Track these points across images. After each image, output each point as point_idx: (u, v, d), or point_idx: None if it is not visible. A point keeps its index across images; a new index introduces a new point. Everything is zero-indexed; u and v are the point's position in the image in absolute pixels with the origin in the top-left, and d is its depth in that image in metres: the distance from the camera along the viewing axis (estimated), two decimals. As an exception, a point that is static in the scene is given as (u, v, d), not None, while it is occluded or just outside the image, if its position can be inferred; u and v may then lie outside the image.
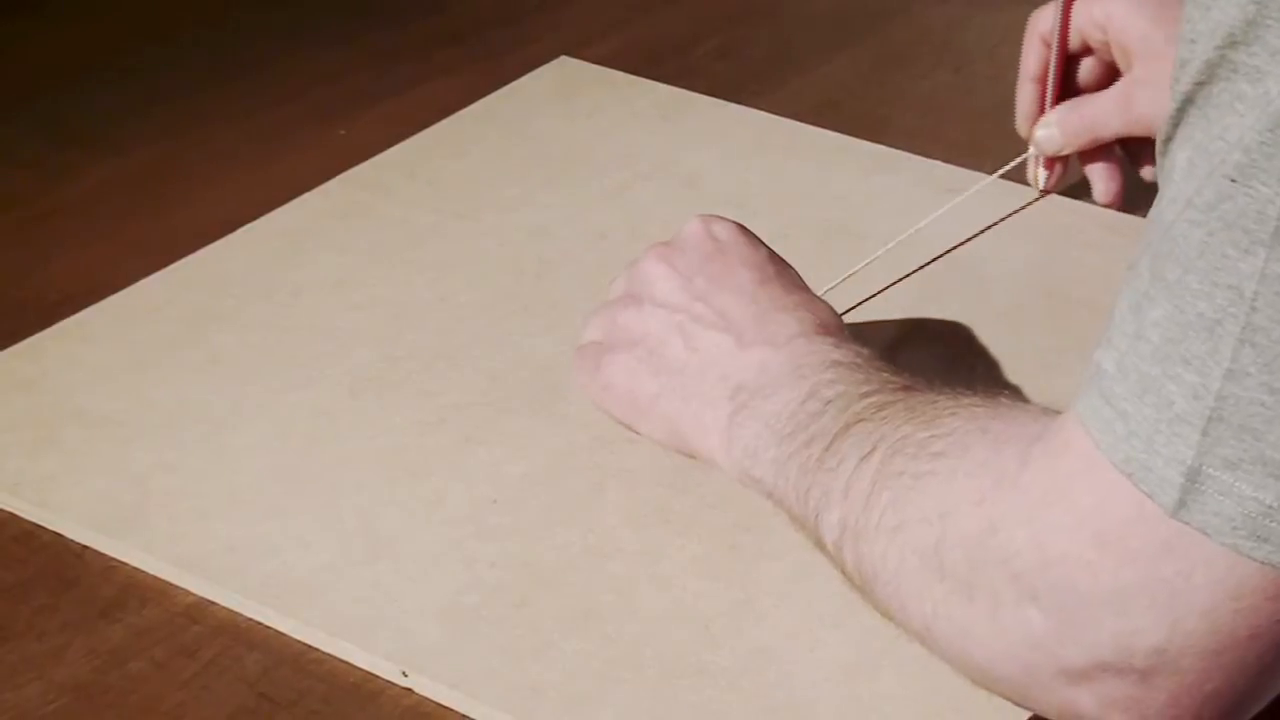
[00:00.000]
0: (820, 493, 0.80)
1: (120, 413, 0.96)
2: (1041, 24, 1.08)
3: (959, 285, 1.03)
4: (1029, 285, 1.03)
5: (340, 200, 1.13)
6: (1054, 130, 1.08)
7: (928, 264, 1.05)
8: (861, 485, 0.76)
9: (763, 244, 0.94)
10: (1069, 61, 1.08)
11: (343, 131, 1.20)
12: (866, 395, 0.82)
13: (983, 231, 1.08)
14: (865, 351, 0.86)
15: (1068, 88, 1.09)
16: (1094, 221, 1.09)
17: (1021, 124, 1.10)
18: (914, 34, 1.29)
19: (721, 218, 0.95)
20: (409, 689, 0.81)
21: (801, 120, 1.19)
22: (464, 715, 0.80)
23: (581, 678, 0.80)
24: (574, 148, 1.17)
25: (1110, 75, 1.08)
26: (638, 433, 0.92)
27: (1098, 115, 1.07)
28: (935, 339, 0.99)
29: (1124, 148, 1.10)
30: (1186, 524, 0.64)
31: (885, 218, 1.09)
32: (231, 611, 0.85)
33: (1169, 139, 0.66)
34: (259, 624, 0.84)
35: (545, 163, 1.15)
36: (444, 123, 1.19)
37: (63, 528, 0.89)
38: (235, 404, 0.96)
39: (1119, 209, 1.09)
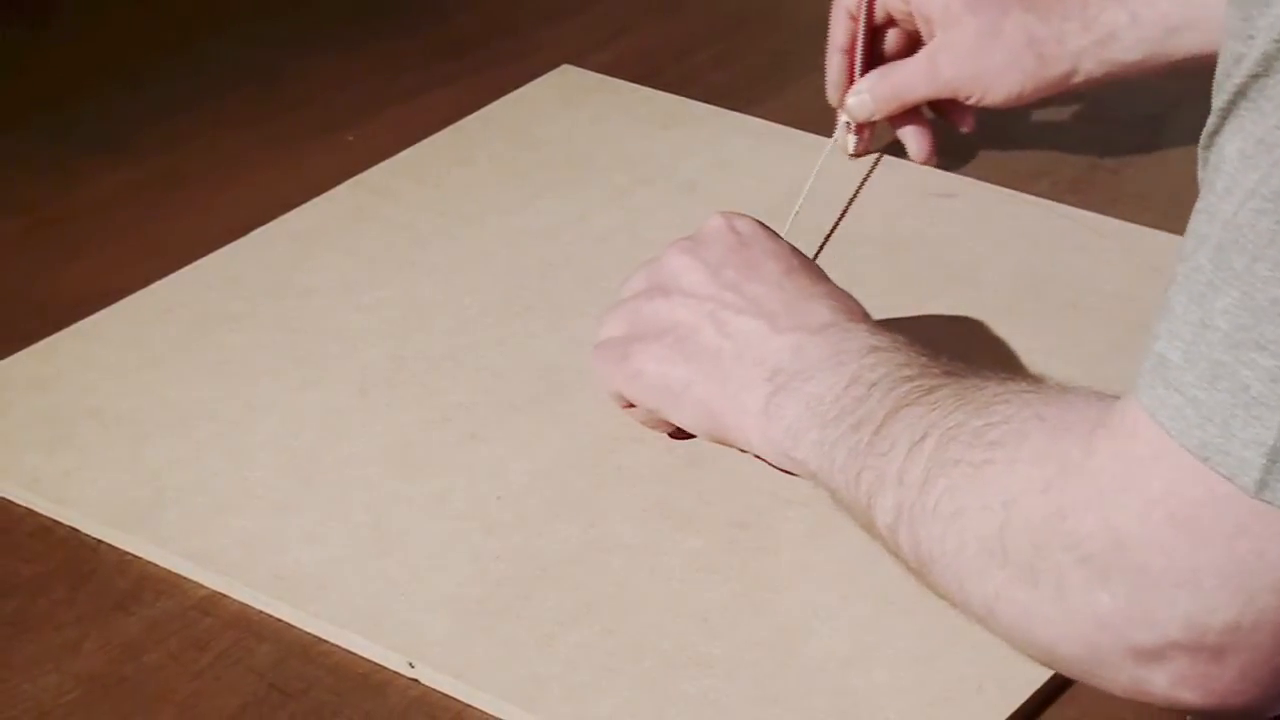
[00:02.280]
0: (873, 476, 0.79)
1: (135, 411, 0.96)
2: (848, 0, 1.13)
3: (952, 288, 1.03)
4: (1020, 287, 1.03)
5: (349, 204, 1.12)
6: (865, 97, 1.12)
7: (830, 234, 1.08)
8: (916, 471, 0.76)
9: (782, 238, 0.94)
10: (874, 32, 1.12)
11: (351, 138, 1.20)
12: (910, 379, 0.81)
13: (849, 204, 1.11)
14: (900, 337, 0.86)
15: (874, 57, 1.13)
16: (1083, 226, 1.08)
17: (833, 93, 1.14)
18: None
19: (741, 214, 0.94)
20: (415, 680, 0.81)
21: (796, 127, 1.18)
22: (468, 705, 0.80)
23: (583, 668, 0.80)
24: (576, 153, 1.17)
25: (912, 44, 1.13)
26: (667, 420, 0.91)
27: (906, 81, 1.11)
28: (928, 339, 0.98)
29: (934, 109, 1.14)
30: (1269, 503, 0.64)
31: (877, 221, 1.09)
32: (243, 604, 0.85)
33: (1215, 132, 0.65)
34: (270, 616, 0.84)
35: (548, 168, 1.15)
36: (449, 129, 1.19)
37: (79, 523, 0.89)
38: (246, 402, 0.96)
39: (934, 165, 1.13)
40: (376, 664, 0.82)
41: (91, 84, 1.26)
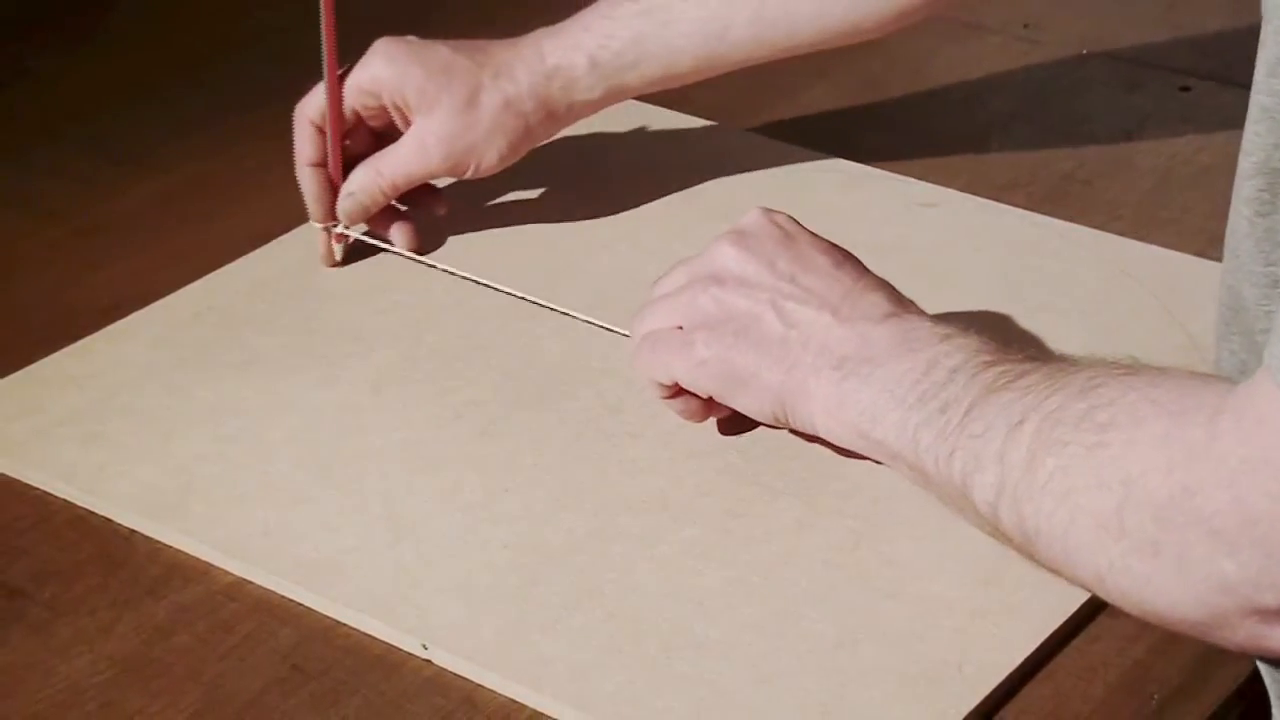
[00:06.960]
0: (968, 456, 0.78)
1: (164, 408, 0.96)
2: (310, 110, 1.05)
3: (934, 291, 1.03)
4: (997, 291, 1.03)
5: (365, 214, 1.12)
6: (357, 196, 1.05)
7: None
8: (1018, 452, 0.75)
9: (819, 235, 0.92)
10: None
11: (368, 151, 1.20)
12: (991, 364, 0.80)
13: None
14: (958, 326, 0.85)
15: (345, 162, 1.06)
16: (1057, 234, 1.08)
17: (315, 209, 1.06)
18: (888, 63, 1.29)
19: (777, 210, 0.93)
20: (428, 661, 0.81)
21: (787, 140, 1.18)
22: (479, 685, 0.80)
23: (586, 650, 0.80)
24: (579, 165, 1.16)
25: (377, 140, 1.06)
26: (730, 406, 0.89)
27: (400, 170, 1.05)
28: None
29: (404, 200, 1.08)
30: None
31: (865, 229, 1.09)
32: (266, 590, 0.85)
33: None
34: (291, 601, 0.84)
35: (552, 179, 1.15)
36: (460, 143, 1.19)
37: (112, 513, 0.89)
38: (269, 400, 0.96)
39: (423, 251, 1.07)
40: (391, 646, 0.82)
41: (123, 101, 1.26)
